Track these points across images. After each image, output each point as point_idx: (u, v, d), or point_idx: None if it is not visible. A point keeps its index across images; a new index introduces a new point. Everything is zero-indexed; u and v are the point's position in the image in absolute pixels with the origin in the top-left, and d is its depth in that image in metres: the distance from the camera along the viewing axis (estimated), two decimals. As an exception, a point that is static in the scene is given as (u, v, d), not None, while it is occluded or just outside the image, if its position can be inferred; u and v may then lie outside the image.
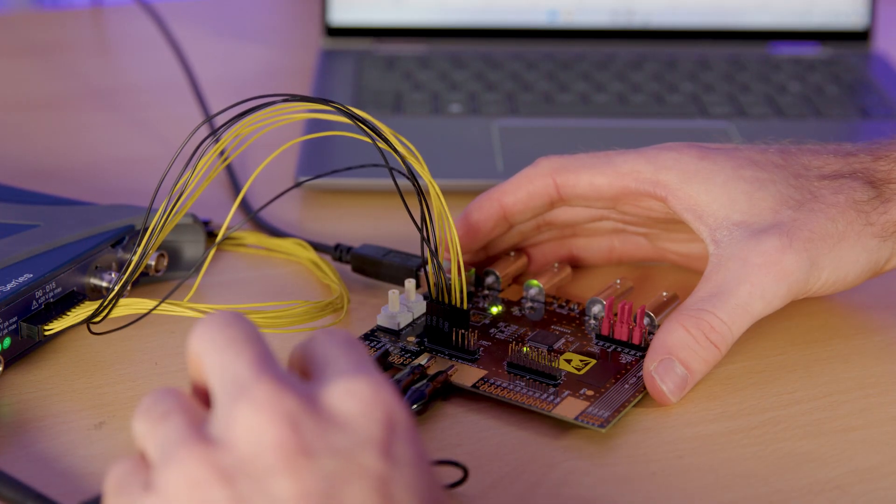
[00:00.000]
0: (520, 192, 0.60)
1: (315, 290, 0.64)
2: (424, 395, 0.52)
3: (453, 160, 0.77)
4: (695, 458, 0.51)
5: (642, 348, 0.56)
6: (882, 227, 0.55)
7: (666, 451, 0.51)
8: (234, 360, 0.40)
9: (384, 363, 0.55)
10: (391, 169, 0.55)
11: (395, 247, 0.63)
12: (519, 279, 0.63)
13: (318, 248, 0.65)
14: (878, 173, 0.57)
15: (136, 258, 0.55)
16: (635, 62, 0.93)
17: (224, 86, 0.91)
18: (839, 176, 0.56)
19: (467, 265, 0.62)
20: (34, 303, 0.55)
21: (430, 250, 0.55)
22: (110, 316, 0.55)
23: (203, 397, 0.42)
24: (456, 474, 0.49)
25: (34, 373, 0.56)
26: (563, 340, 0.57)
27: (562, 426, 0.52)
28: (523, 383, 0.54)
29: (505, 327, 0.59)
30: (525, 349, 0.54)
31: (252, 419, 0.38)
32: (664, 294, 0.59)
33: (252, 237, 0.67)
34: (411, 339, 0.57)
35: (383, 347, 0.55)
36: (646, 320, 0.57)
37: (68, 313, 0.56)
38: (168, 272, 0.62)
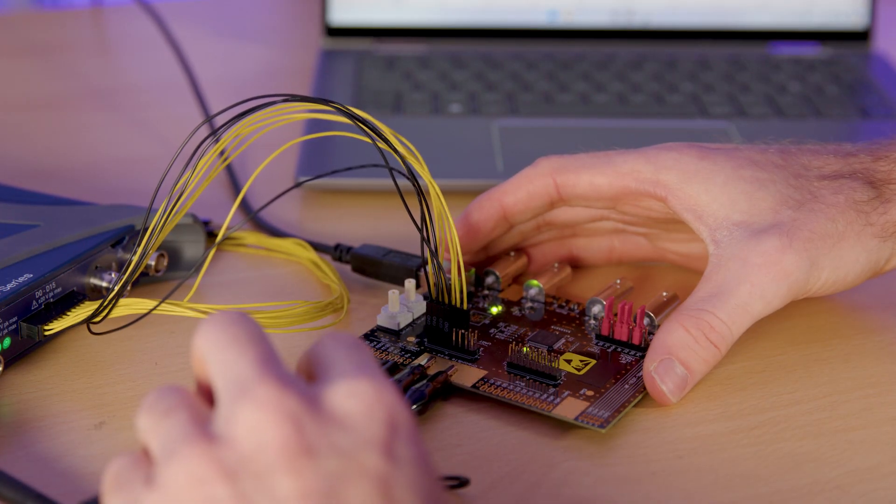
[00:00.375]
0: (520, 193, 0.60)
1: (315, 290, 0.64)
2: (424, 396, 0.52)
3: (453, 160, 0.77)
4: (695, 458, 0.51)
5: (642, 348, 0.56)
6: (882, 228, 0.55)
7: (666, 451, 0.51)
8: (238, 358, 0.40)
9: (391, 372, 0.55)
10: (391, 169, 0.55)
11: (395, 247, 0.63)
12: (519, 279, 0.63)
13: (318, 248, 0.65)
14: (878, 173, 0.57)
15: (136, 258, 0.55)
16: (635, 62, 0.93)
17: (224, 86, 0.91)
18: (839, 176, 0.56)
19: (467, 265, 0.62)
20: (34, 303, 0.55)
21: (430, 250, 0.55)
22: (110, 316, 0.55)
23: (207, 395, 0.42)
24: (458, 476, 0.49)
25: (34, 373, 0.56)
26: (563, 340, 0.57)
27: (562, 426, 0.52)
28: (523, 383, 0.54)
29: (505, 327, 0.59)
30: (525, 349, 0.54)
31: (255, 418, 0.38)
32: (664, 294, 0.59)
33: (252, 237, 0.67)
34: (411, 339, 0.57)
35: (390, 363, 0.55)
36: (646, 320, 0.57)
37: (68, 313, 0.56)
38: (168, 272, 0.62)
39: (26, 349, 0.56)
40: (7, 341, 0.54)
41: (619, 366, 0.55)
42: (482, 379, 0.54)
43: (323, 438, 0.38)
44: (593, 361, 0.56)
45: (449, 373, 0.54)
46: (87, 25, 1.09)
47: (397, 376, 0.53)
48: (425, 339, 0.57)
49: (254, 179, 0.64)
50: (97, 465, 0.50)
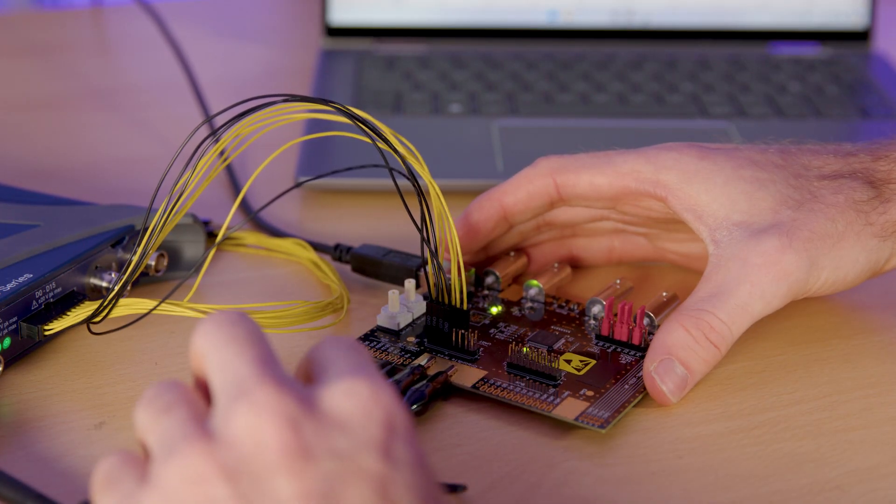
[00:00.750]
0: (520, 193, 0.60)
1: (315, 290, 0.64)
2: (424, 396, 0.52)
3: (453, 160, 0.77)
4: (695, 458, 0.51)
5: (642, 349, 0.56)
6: (882, 227, 0.55)
7: (666, 451, 0.51)
8: (236, 359, 0.40)
9: (392, 374, 0.55)
10: (391, 169, 0.55)
11: (395, 247, 0.63)
12: (519, 279, 0.63)
13: (317, 248, 0.65)
14: (878, 173, 0.57)
15: (136, 258, 0.55)
16: (635, 62, 0.93)
17: (224, 86, 0.91)
18: (839, 176, 0.56)
19: (467, 265, 0.62)
20: (34, 303, 0.55)
21: (430, 250, 0.55)
22: (110, 316, 0.55)
23: (205, 392, 0.42)
24: (458, 476, 0.49)
25: (34, 373, 0.56)
26: (562, 341, 0.57)
27: (562, 426, 0.52)
28: (523, 384, 0.54)
29: (505, 327, 0.59)
30: (525, 349, 0.54)
31: (253, 420, 0.38)
32: (664, 294, 0.59)
33: (252, 237, 0.67)
34: (411, 339, 0.57)
35: (391, 364, 0.55)
36: (646, 321, 0.57)
37: (68, 313, 0.56)
38: (168, 272, 0.62)
39: (26, 349, 0.56)
40: (7, 341, 0.54)
41: (618, 366, 0.55)
42: (482, 379, 0.54)
43: (321, 440, 0.38)
44: (593, 362, 0.56)
45: (449, 373, 0.54)
46: (87, 25, 1.09)
47: (397, 376, 0.53)
48: (425, 340, 0.57)
49: (254, 179, 0.64)
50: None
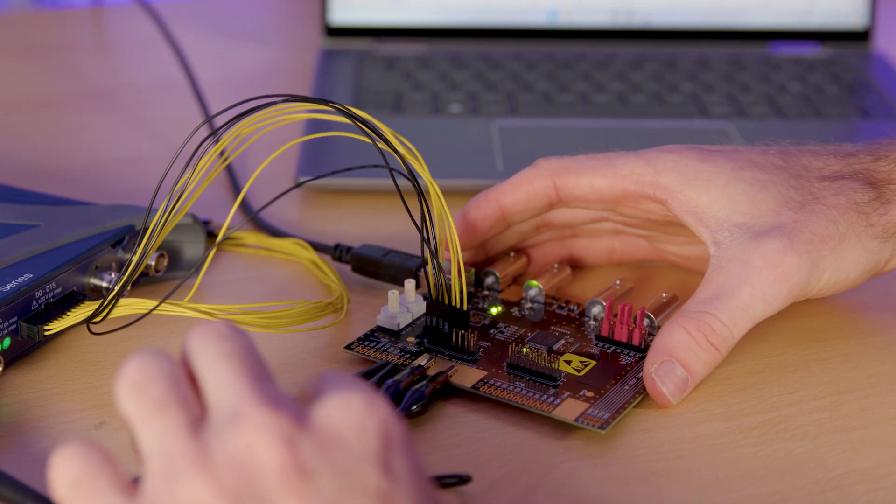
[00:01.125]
0: (518, 193, 0.60)
1: (315, 290, 0.64)
2: (424, 396, 0.52)
3: (453, 160, 0.77)
4: (695, 458, 0.51)
5: (642, 349, 0.56)
6: (882, 229, 0.55)
7: (666, 452, 0.51)
8: (232, 377, 0.40)
9: (392, 374, 0.54)
10: (391, 169, 0.55)
11: (395, 247, 0.63)
12: (519, 280, 0.63)
13: (317, 248, 0.65)
14: (879, 174, 0.57)
15: (136, 258, 0.55)
16: (635, 62, 0.93)
17: (224, 86, 0.91)
18: (840, 177, 0.56)
19: (467, 265, 0.62)
20: (34, 303, 0.55)
21: (430, 251, 0.55)
22: (110, 316, 0.55)
23: (194, 386, 0.41)
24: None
25: (34, 373, 0.56)
26: (562, 341, 0.57)
27: (562, 426, 0.52)
28: (523, 384, 0.54)
29: (505, 328, 0.59)
30: (525, 350, 0.54)
31: (250, 441, 0.38)
32: (664, 295, 0.59)
33: (252, 237, 0.67)
34: (411, 339, 0.57)
35: (390, 364, 0.55)
36: (646, 321, 0.57)
37: (68, 313, 0.56)
38: (168, 272, 0.62)
39: (26, 349, 0.56)
40: (7, 341, 0.54)
41: (618, 367, 0.55)
42: (482, 380, 0.54)
43: (319, 458, 0.38)
44: (593, 362, 0.56)
45: (449, 373, 0.54)
46: (87, 25, 1.09)
47: (397, 377, 0.53)
48: (425, 340, 0.57)
49: (254, 180, 0.64)
50: (97, 465, 0.50)
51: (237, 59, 1.00)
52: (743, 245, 0.54)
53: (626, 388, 0.54)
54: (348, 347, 0.57)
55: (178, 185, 0.54)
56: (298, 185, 0.70)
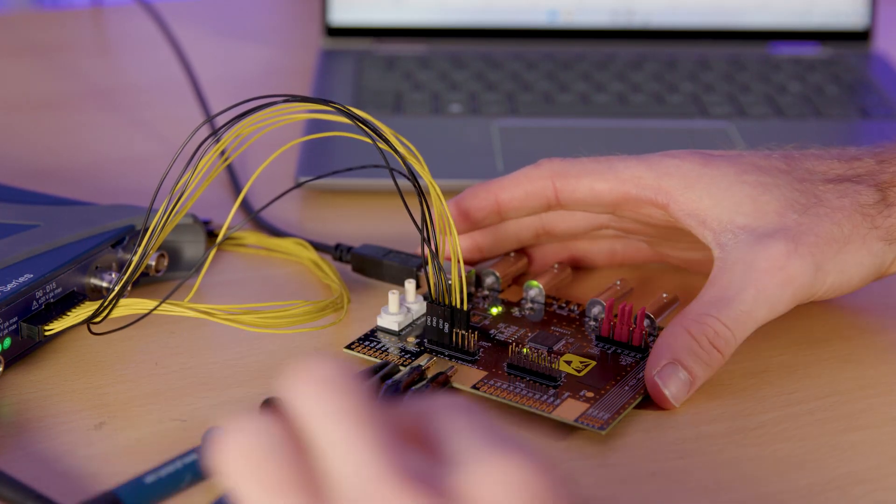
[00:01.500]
0: (517, 190, 0.60)
1: (315, 290, 0.64)
2: (424, 396, 0.52)
3: (453, 160, 0.77)
4: (695, 458, 0.51)
5: (642, 350, 0.56)
6: (887, 231, 0.55)
7: (666, 452, 0.51)
8: (356, 444, 0.34)
9: (391, 374, 0.54)
10: (391, 169, 0.55)
11: (395, 247, 0.63)
12: (519, 280, 0.63)
13: (318, 247, 0.65)
14: (884, 176, 0.56)
15: (136, 258, 0.55)
16: (635, 62, 0.93)
17: (224, 86, 0.91)
18: (844, 180, 0.56)
19: (467, 266, 0.62)
20: (34, 303, 0.55)
21: (431, 251, 0.55)
22: (110, 316, 0.55)
23: (305, 448, 0.35)
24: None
25: (34, 373, 0.56)
26: (562, 342, 0.57)
27: (562, 427, 0.52)
28: (523, 384, 0.54)
29: (505, 328, 0.59)
30: (525, 350, 0.54)
31: None
32: (664, 296, 0.59)
33: (252, 237, 0.67)
34: (411, 339, 0.57)
35: (390, 364, 0.55)
36: (646, 322, 0.57)
37: (68, 313, 0.56)
38: (168, 272, 0.62)
39: (26, 349, 0.56)
40: (7, 341, 0.54)
41: (619, 367, 0.55)
42: (482, 380, 0.54)
43: None
44: (593, 363, 0.56)
45: (449, 374, 0.54)
46: (87, 25, 1.09)
47: (397, 377, 0.53)
48: (425, 340, 0.57)
49: (254, 179, 0.64)
50: (97, 465, 0.50)
51: (237, 59, 1.00)
52: (747, 247, 0.54)
53: (627, 388, 0.54)
54: (348, 347, 0.57)
55: (178, 185, 0.54)
56: (299, 186, 0.70)
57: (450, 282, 0.56)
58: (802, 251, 0.53)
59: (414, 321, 0.58)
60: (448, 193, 0.58)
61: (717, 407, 0.54)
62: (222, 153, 0.57)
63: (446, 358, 0.56)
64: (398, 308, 0.58)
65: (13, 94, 0.92)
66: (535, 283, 0.61)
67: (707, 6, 0.96)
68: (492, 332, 0.58)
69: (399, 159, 0.54)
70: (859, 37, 0.96)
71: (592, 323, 0.59)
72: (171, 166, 0.54)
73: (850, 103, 0.87)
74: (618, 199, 0.58)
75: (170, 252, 0.62)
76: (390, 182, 0.55)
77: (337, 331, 0.59)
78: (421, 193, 0.54)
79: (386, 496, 0.33)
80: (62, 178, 0.76)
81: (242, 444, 0.34)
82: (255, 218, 0.69)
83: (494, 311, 0.60)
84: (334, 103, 0.53)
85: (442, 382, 0.54)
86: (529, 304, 0.61)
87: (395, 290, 0.58)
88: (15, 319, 0.54)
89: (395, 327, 0.57)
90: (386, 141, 0.54)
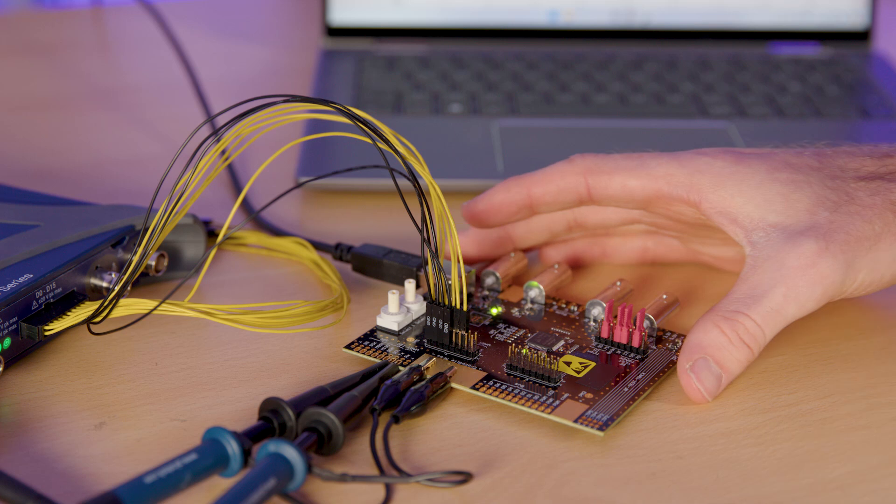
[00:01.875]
0: (550, 186, 0.60)
1: (315, 289, 0.64)
2: (424, 397, 0.52)
3: (453, 160, 0.77)
4: (695, 458, 0.51)
5: (642, 351, 0.56)
6: None
7: (666, 451, 0.51)
8: None
9: (391, 374, 0.54)
10: (392, 169, 0.55)
11: (395, 247, 0.63)
12: (519, 280, 0.63)
13: (318, 247, 0.65)
14: None
15: (136, 258, 0.55)
16: (635, 62, 0.93)
17: (225, 86, 0.91)
18: (876, 177, 0.56)
19: (472, 262, 0.62)
20: (34, 303, 0.55)
21: (430, 251, 0.55)
22: (110, 316, 0.55)
23: None
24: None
25: (34, 373, 0.56)
26: (562, 342, 0.57)
27: (562, 427, 0.52)
28: (523, 385, 0.54)
29: (505, 329, 0.59)
30: (524, 351, 0.54)
31: None
32: (664, 297, 0.59)
33: (253, 237, 0.67)
34: (411, 339, 0.57)
35: (390, 364, 0.55)
36: (646, 323, 0.57)
37: (68, 313, 0.56)
38: (168, 272, 0.62)
39: (26, 349, 0.56)
40: (7, 341, 0.54)
41: (618, 368, 0.55)
42: (482, 380, 0.54)
43: None
44: (593, 364, 0.56)
45: (448, 374, 0.54)
46: (87, 25, 1.09)
47: (396, 377, 0.53)
48: (425, 340, 0.57)
49: (255, 179, 0.64)
50: (97, 465, 0.50)
51: (237, 59, 1.00)
52: (778, 245, 0.54)
53: (626, 389, 0.54)
54: (348, 347, 0.57)
55: (178, 185, 0.54)
56: (299, 186, 0.70)
57: (450, 282, 0.56)
58: (833, 249, 0.53)
59: (414, 321, 0.58)
60: (448, 193, 0.58)
61: (717, 407, 0.54)
62: (222, 153, 0.57)
63: (446, 358, 0.56)
64: (398, 308, 0.58)
65: (13, 94, 0.92)
66: (535, 283, 0.61)
67: (707, 6, 0.96)
68: (491, 332, 0.58)
69: (399, 159, 0.54)
70: (859, 37, 0.96)
71: (592, 324, 0.59)
72: (171, 166, 0.54)
73: (850, 103, 0.87)
74: (649, 196, 0.58)
75: (170, 252, 0.62)
76: (390, 182, 0.55)
77: (337, 331, 0.59)
78: (421, 193, 0.54)
79: None
80: (62, 178, 0.76)
81: None
82: (255, 218, 0.70)
83: (494, 311, 0.60)
84: (334, 103, 0.53)
85: (441, 383, 0.54)
86: (529, 305, 0.61)
87: (394, 290, 0.58)
88: (15, 319, 0.54)
89: (395, 327, 0.57)
90: (386, 141, 0.54)
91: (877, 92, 0.88)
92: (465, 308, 0.56)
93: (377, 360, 0.56)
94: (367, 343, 0.57)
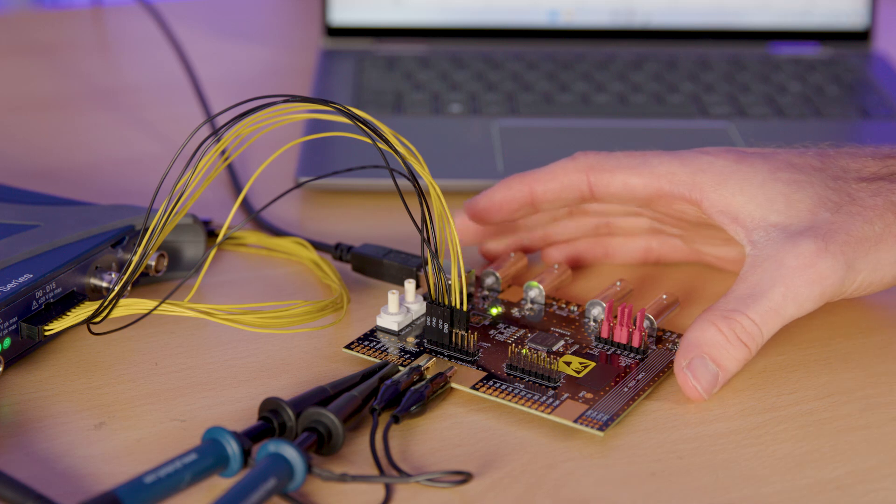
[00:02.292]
0: (552, 183, 0.60)
1: (315, 289, 0.64)
2: (423, 397, 0.52)
3: (453, 160, 0.77)
4: (695, 458, 0.51)
5: (642, 351, 0.56)
6: None
7: (666, 452, 0.51)
8: None
9: (390, 374, 0.54)
10: (391, 169, 0.55)
11: (395, 247, 0.63)
12: (519, 280, 0.63)
13: (318, 247, 0.65)
14: None
15: (136, 258, 0.55)
16: (635, 62, 0.93)
17: (225, 86, 0.91)
18: (878, 178, 0.56)
19: (470, 265, 0.62)
20: (34, 303, 0.55)
21: (431, 251, 0.55)
22: (110, 316, 0.55)
23: None
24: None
25: (34, 373, 0.56)
26: (562, 342, 0.57)
27: (562, 427, 0.52)
28: (522, 385, 0.54)
29: (504, 329, 0.59)
30: (524, 351, 0.54)
31: None
32: (664, 297, 0.59)
33: (252, 237, 0.67)
34: (411, 339, 0.57)
35: (390, 364, 0.55)
36: (646, 323, 0.57)
37: (68, 313, 0.56)
38: (168, 272, 0.62)
39: (26, 349, 0.56)
40: (7, 341, 0.54)
41: (618, 368, 0.55)
42: (481, 380, 0.54)
43: None
44: (593, 364, 0.56)
45: (448, 374, 0.54)
46: (87, 25, 1.09)
47: (396, 377, 0.53)
48: (425, 340, 0.57)
49: (254, 179, 0.64)
50: (97, 465, 0.50)
51: (237, 59, 1.00)
52: (778, 245, 0.54)
53: (626, 389, 0.54)
54: (348, 347, 0.57)
55: (178, 185, 0.54)
56: (299, 186, 0.70)
57: (449, 282, 0.56)
58: (833, 249, 0.54)
59: (414, 321, 0.58)
60: (448, 193, 0.58)
61: (717, 407, 0.54)
62: (222, 153, 0.57)
63: (446, 358, 0.56)
64: (398, 308, 0.58)
65: (13, 94, 0.92)
66: (535, 283, 0.61)
67: (707, 6, 0.96)
68: (491, 332, 0.58)
69: (399, 159, 0.54)
70: (859, 37, 0.96)
71: (592, 324, 0.59)
72: (171, 166, 0.54)
73: (850, 103, 0.87)
74: (651, 194, 0.58)
75: (170, 252, 0.62)
76: (390, 182, 0.55)
77: (337, 331, 0.59)
78: (421, 193, 0.54)
79: None
80: (62, 178, 0.76)
81: None
82: (255, 218, 0.70)
83: (494, 311, 0.60)
84: (334, 103, 0.53)
85: (441, 383, 0.54)
86: (529, 305, 0.61)
87: (394, 290, 0.58)
88: (15, 319, 0.54)
89: (395, 327, 0.57)
90: (386, 141, 0.54)
91: (877, 92, 0.88)
92: (465, 308, 0.56)
93: (377, 360, 0.56)
94: (366, 343, 0.57)
